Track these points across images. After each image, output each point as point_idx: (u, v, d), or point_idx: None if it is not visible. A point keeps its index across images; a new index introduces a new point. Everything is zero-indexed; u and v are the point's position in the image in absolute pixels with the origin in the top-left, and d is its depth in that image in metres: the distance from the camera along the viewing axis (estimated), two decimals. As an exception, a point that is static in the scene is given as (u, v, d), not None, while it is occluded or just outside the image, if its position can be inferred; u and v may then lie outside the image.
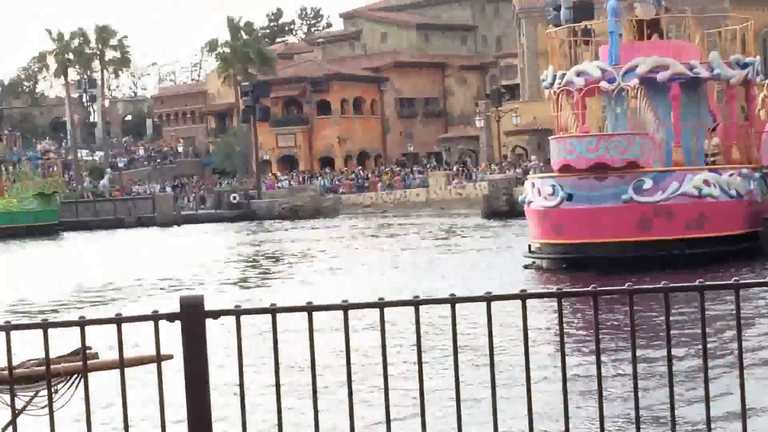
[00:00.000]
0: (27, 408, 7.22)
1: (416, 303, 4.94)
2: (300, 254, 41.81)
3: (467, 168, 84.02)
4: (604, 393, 5.00)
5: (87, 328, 4.90)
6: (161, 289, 31.01)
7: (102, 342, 7.50)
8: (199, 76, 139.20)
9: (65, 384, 7.12)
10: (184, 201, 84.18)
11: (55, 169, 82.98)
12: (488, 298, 4.93)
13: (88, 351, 6.83)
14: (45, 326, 4.79)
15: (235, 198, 78.62)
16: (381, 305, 4.95)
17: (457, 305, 4.92)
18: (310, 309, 4.92)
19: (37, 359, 7.15)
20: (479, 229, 51.10)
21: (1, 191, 74.57)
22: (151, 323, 4.90)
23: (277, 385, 5.03)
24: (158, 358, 4.92)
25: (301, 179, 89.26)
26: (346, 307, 4.93)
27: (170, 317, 4.87)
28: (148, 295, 29.30)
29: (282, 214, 73.34)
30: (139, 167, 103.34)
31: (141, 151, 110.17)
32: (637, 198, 29.01)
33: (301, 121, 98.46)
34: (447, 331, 14.92)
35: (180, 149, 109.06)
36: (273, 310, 4.91)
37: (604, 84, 30.75)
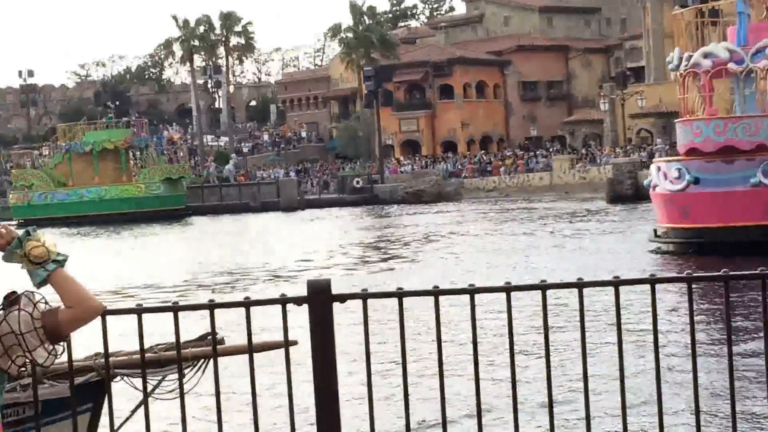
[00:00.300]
0: (154, 392, 7.32)
1: (543, 287, 4.90)
2: (424, 238, 41.80)
3: (591, 152, 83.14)
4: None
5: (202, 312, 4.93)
6: (286, 273, 31.27)
7: (223, 326, 7.56)
8: (322, 61, 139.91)
9: (192, 368, 7.20)
10: (307, 186, 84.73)
11: (182, 154, 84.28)
12: (617, 283, 4.87)
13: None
14: (175, 309, 4.85)
15: (358, 183, 78.90)
16: (508, 289, 4.92)
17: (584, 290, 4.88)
18: (436, 293, 4.90)
19: (165, 344, 7.25)
20: (603, 213, 50.56)
21: (129, 177, 75.97)
22: (278, 307, 4.94)
23: (404, 369, 5.03)
24: (286, 342, 4.94)
25: (423, 164, 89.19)
26: (472, 291, 4.91)
27: (298, 301, 4.90)
28: (273, 279, 29.58)
29: (404, 199, 73.41)
30: (263, 152, 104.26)
31: (265, 137, 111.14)
32: (767, 181, 28.44)
33: (423, 105, 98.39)
34: (573, 315, 14.79)
35: (303, 134, 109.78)
36: (400, 294, 4.91)
37: (732, 65, 30.17)
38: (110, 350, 7.49)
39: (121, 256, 41.41)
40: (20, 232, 3.51)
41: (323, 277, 5.00)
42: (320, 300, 4.87)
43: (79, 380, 7.18)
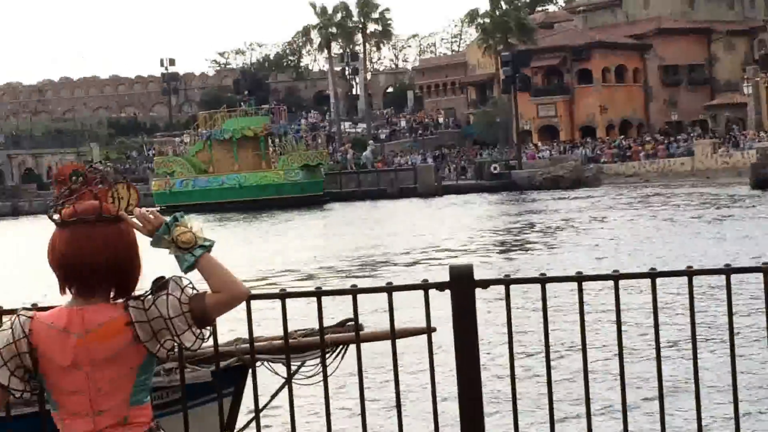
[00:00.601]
0: (293, 378, 7.37)
1: (689, 273, 4.81)
2: (563, 224, 41.48)
3: (734, 136, 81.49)
4: None
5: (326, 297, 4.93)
6: (424, 259, 31.30)
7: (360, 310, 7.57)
8: (459, 47, 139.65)
9: (331, 354, 7.24)
10: (445, 172, 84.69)
11: (320, 141, 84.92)
12: (766, 269, 4.77)
13: (353, 323, 6.95)
14: (319, 294, 4.87)
15: (495, 168, 78.59)
16: (653, 275, 4.84)
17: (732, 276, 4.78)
18: (580, 279, 4.84)
19: (304, 330, 7.29)
20: (747, 199, 49.57)
21: (268, 164, 76.84)
22: (411, 293, 4.94)
23: (547, 355, 4.99)
24: (429, 328, 4.93)
25: (561, 149, 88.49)
26: (617, 277, 4.84)
27: (440, 286, 4.88)
28: (411, 265, 29.63)
29: (542, 185, 72.92)
30: (400, 139, 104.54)
31: (402, 123, 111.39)
32: None
33: (561, 90, 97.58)
34: (721, 302, 14.48)
35: (441, 120, 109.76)
36: (543, 280, 4.86)
37: None
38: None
39: (260, 242, 41.93)
40: (168, 218, 3.55)
41: (466, 263, 4.97)
42: (463, 285, 4.84)
43: (222, 365, 7.26)
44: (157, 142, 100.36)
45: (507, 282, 4.87)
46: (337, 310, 7.47)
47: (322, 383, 6.17)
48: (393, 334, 5.01)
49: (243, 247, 37.28)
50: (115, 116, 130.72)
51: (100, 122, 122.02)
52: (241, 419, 7.71)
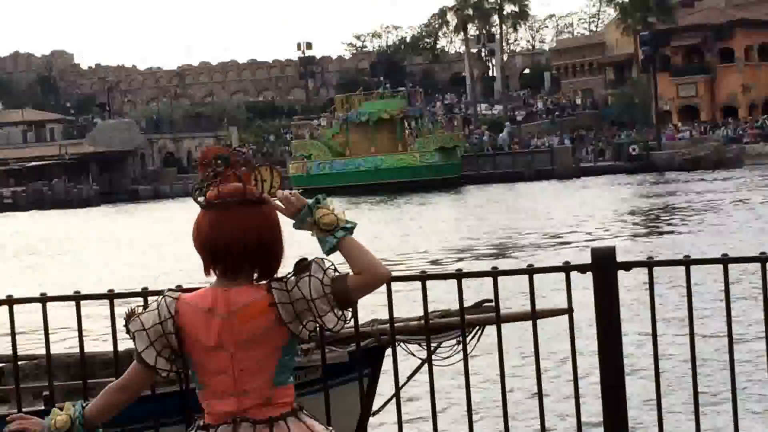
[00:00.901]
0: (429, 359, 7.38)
1: (724, 261, 4.72)
2: (705, 206, 40.78)
3: None
4: None
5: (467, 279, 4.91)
6: (562, 241, 31.08)
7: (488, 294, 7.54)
8: (596, 27, 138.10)
9: (469, 335, 7.24)
10: (582, 153, 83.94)
11: (456, 123, 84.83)
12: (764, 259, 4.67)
13: (488, 304, 6.94)
14: (459, 276, 4.87)
15: (634, 150, 77.61)
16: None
17: None
18: (725, 261, 4.76)
19: (439, 311, 7.30)
20: None
21: (404, 146, 77.04)
22: (547, 275, 4.91)
23: (691, 336, 4.90)
24: (570, 308, 4.90)
25: (702, 129, 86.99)
26: (765, 260, 4.74)
27: (582, 269, 4.84)
28: (550, 247, 29.44)
29: (682, 166, 71.79)
30: (537, 120, 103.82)
31: (539, 104, 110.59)
32: None
33: (702, 70, 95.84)
34: None
35: (578, 101, 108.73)
36: (687, 262, 4.78)
37: None
38: (384, 317, 7.64)
39: (396, 224, 42.08)
40: (310, 200, 3.57)
41: (608, 245, 4.92)
42: (606, 268, 4.79)
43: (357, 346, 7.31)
44: (294, 126, 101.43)
45: (650, 264, 4.81)
46: (470, 292, 7.46)
47: (455, 365, 6.18)
48: (534, 315, 5.01)
49: (379, 230, 37.46)
50: (252, 100, 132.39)
51: (238, 106, 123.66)
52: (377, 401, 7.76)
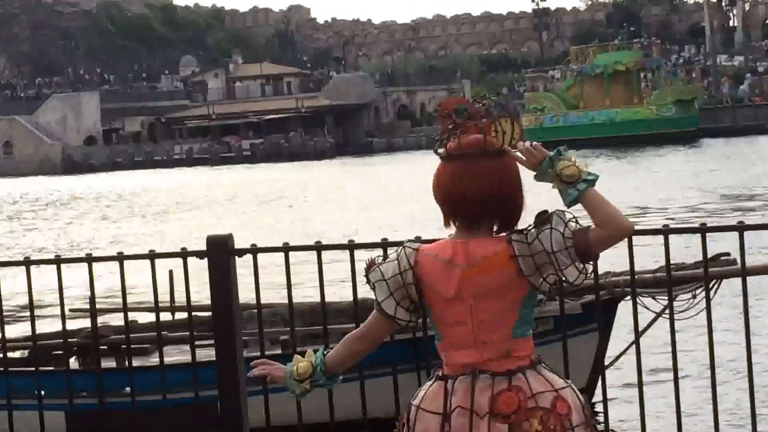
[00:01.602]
0: (663, 313, 7.30)
1: None
2: None
3: None
4: None
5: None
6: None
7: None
8: None
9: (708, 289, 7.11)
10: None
11: (694, 75, 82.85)
12: None
13: (726, 257, 6.80)
14: (703, 231, 4.77)
15: None
16: None
17: None
18: None
19: (675, 264, 7.22)
20: None
21: (640, 99, 75.70)
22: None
23: None
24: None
25: None
26: None
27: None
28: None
29: None
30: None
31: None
32: None
33: None
34: None
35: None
36: None
37: None
38: (617, 270, 7.59)
39: (633, 178, 41.43)
40: (551, 152, 3.52)
41: None
42: None
43: (590, 299, 7.30)
44: (528, 78, 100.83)
45: None
46: (698, 249, 7.31)
47: (688, 320, 6.08)
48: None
49: (615, 183, 36.97)
50: (486, 53, 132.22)
51: (471, 59, 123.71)
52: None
